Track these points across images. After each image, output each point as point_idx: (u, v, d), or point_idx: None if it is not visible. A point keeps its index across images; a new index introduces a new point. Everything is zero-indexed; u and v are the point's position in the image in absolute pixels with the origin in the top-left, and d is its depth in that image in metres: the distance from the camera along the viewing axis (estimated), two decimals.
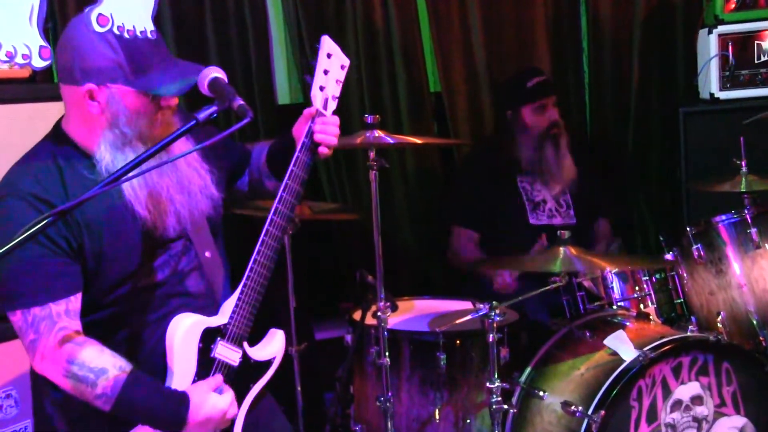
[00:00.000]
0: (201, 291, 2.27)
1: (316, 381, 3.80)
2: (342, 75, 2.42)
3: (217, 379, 2.17)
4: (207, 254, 2.31)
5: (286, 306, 3.43)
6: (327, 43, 2.39)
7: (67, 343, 2.05)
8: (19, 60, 1.79)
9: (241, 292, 2.21)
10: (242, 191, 2.59)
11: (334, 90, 2.40)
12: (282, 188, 2.26)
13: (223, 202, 2.39)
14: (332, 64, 2.39)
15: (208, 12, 4.06)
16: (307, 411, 3.47)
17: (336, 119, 2.37)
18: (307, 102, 4.21)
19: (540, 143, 3.84)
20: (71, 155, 2.13)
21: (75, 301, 2.08)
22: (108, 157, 2.09)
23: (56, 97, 2.93)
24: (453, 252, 3.96)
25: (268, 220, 2.24)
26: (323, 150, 2.34)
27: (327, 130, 2.33)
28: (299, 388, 3.46)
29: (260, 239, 2.22)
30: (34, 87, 2.96)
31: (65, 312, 2.06)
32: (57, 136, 2.18)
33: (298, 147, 2.31)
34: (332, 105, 2.39)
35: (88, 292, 2.12)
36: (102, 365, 2.05)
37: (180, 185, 2.19)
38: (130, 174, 1.87)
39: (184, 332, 2.15)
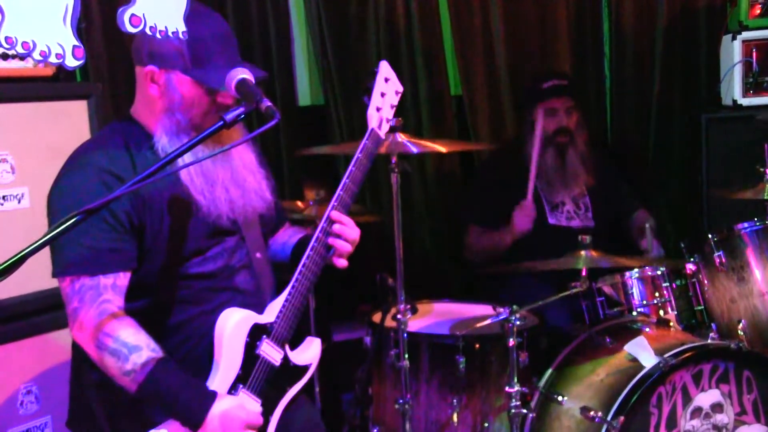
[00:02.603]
0: (250, 289, 2.30)
1: (335, 382, 3.81)
2: (396, 100, 2.49)
3: (255, 404, 2.19)
4: (258, 255, 2.35)
5: (306, 307, 3.43)
6: (385, 68, 2.46)
7: (107, 315, 2.08)
8: (52, 59, 1.80)
9: (289, 294, 2.24)
10: None
11: (388, 113, 2.47)
12: (345, 176, 2.32)
13: (275, 206, 2.43)
14: (389, 88, 2.46)
15: (231, 14, 4.07)
16: (325, 412, 3.47)
17: (351, 224, 2.39)
18: (328, 104, 4.27)
19: (543, 147, 3.83)
20: (138, 136, 2.21)
21: (123, 278, 2.13)
22: (165, 139, 2.17)
23: (79, 96, 2.99)
24: (471, 251, 3.96)
25: (320, 227, 2.29)
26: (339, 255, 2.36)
27: (344, 232, 2.35)
28: (317, 389, 3.47)
29: (311, 244, 2.27)
30: (57, 85, 2.99)
31: (112, 286, 2.11)
32: (126, 120, 2.27)
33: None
34: (385, 127, 2.46)
35: (140, 272, 2.17)
36: (137, 343, 2.08)
37: (235, 180, 2.25)
38: (186, 161, 1.96)
39: (234, 325, 2.17)
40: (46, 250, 1.97)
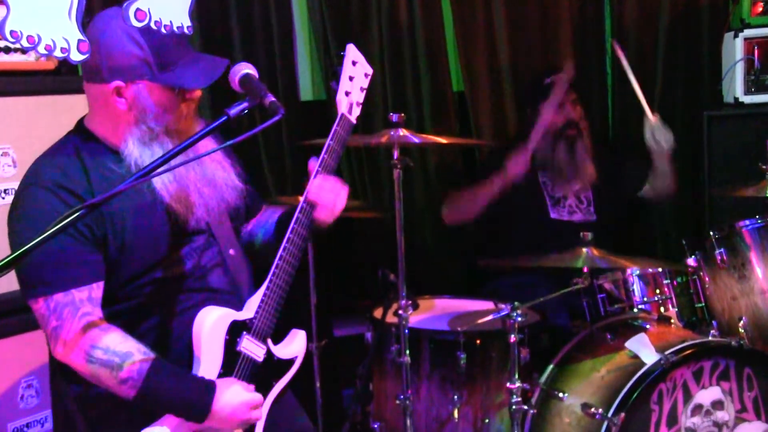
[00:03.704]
0: (224, 287, 2.28)
1: (335, 378, 3.81)
2: (366, 83, 2.46)
3: (250, 387, 2.18)
4: (231, 252, 2.32)
5: (306, 302, 3.43)
6: (352, 51, 2.43)
7: (91, 328, 2.06)
8: (57, 53, 1.79)
9: (267, 288, 2.21)
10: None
11: (359, 97, 2.44)
12: (318, 165, 2.30)
13: (247, 193, 2.39)
14: (357, 71, 2.43)
15: (233, 8, 4.07)
16: (326, 408, 3.47)
17: (334, 184, 2.35)
18: (331, 100, 4.27)
19: (554, 142, 3.83)
20: (96, 150, 2.15)
21: (97, 289, 2.10)
22: (136, 152, 2.10)
23: (81, 90, 2.96)
24: (447, 203, 3.97)
25: (294, 218, 2.25)
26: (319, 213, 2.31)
27: (321, 198, 2.30)
28: (318, 385, 3.47)
29: (287, 236, 2.24)
30: (59, 79, 2.98)
31: (88, 299, 2.07)
32: (80, 132, 2.20)
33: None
34: (356, 111, 2.43)
35: (110, 282, 2.13)
36: (127, 349, 2.06)
37: (206, 179, 2.21)
38: (160, 169, 1.88)
39: (211, 324, 2.15)
40: None
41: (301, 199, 2.29)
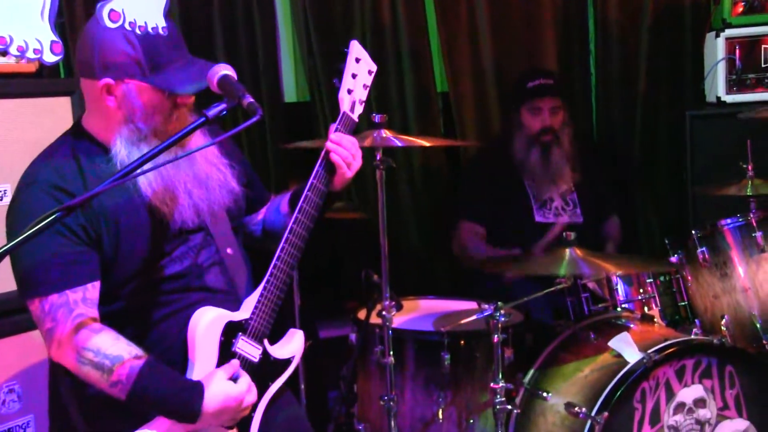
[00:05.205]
0: (221, 287, 2.27)
1: (320, 379, 3.80)
2: (369, 80, 2.44)
3: (234, 365, 2.16)
4: (229, 251, 2.31)
5: (290, 304, 3.43)
6: (356, 48, 2.40)
7: (83, 329, 2.06)
8: (30, 54, 1.79)
9: (264, 289, 2.21)
10: (255, 235, 2.56)
11: (361, 94, 2.41)
12: (308, 187, 2.28)
13: (245, 197, 2.37)
14: (360, 68, 2.41)
15: (216, 9, 4.06)
16: (310, 409, 3.47)
17: (353, 139, 2.35)
18: (314, 100, 4.27)
19: (528, 146, 3.84)
20: (90, 149, 2.16)
21: (92, 290, 2.10)
22: (123, 151, 2.10)
23: (63, 92, 2.96)
24: (460, 246, 3.96)
25: (293, 218, 2.25)
26: (341, 171, 2.32)
27: (342, 143, 2.31)
28: (303, 386, 3.46)
29: (284, 237, 2.23)
30: (40, 82, 2.96)
31: (82, 300, 2.08)
32: (76, 131, 2.21)
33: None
34: (359, 109, 2.41)
35: (106, 281, 2.13)
36: (118, 352, 2.06)
37: (197, 179, 2.20)
38: (145, 167, 1.88)
39: (206, 324, 2.15)
40: None
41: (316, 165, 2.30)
